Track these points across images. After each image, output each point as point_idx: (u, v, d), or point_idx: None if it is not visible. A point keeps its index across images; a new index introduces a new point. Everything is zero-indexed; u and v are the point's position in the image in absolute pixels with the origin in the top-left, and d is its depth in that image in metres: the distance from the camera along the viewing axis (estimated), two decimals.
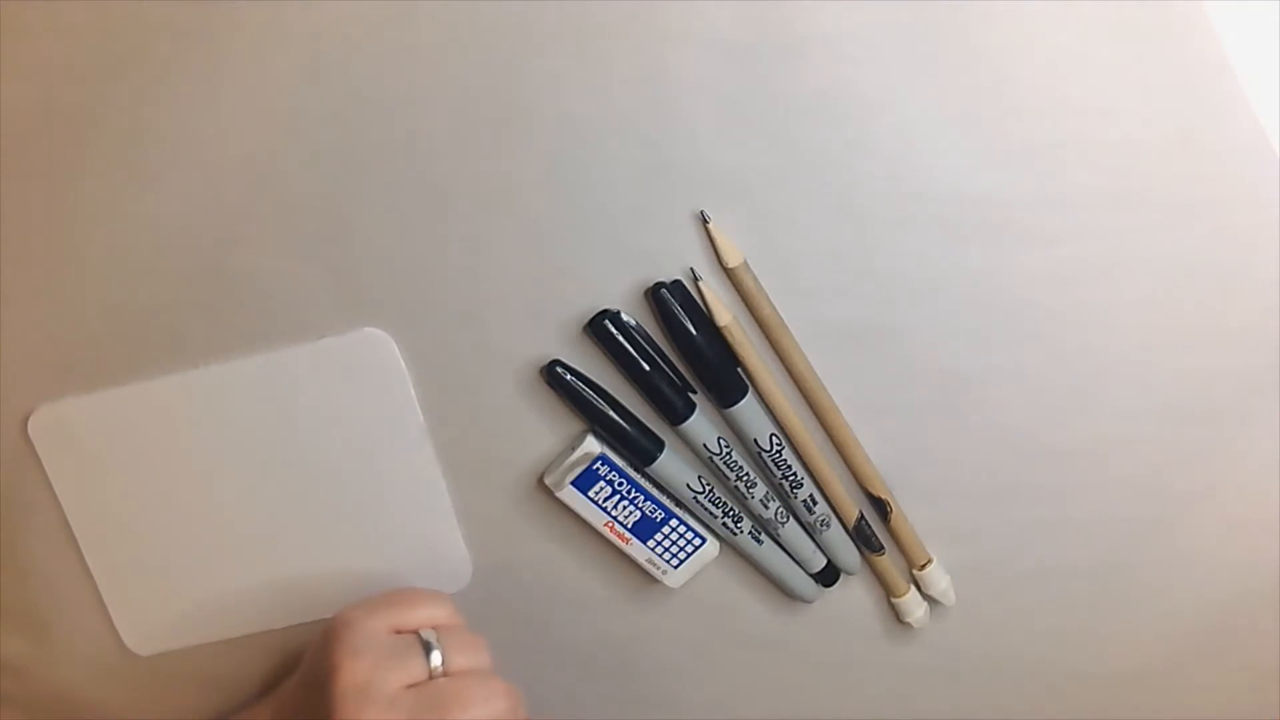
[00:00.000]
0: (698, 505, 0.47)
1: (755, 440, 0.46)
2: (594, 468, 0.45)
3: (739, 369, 0.45)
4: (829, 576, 0.50)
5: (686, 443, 0.46)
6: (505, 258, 0.44)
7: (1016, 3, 0.41)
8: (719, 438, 0.46)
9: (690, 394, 0.45)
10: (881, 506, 0.48)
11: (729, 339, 0.44)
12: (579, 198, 0.43)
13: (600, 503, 0.46)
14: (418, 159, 0.42)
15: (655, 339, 0.45)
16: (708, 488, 0.47)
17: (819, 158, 0.42)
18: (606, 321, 0.44)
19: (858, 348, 0.45)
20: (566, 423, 0.46)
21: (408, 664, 0.41)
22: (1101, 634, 0.51)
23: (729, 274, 0.44)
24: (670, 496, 0.47)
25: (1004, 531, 0.49)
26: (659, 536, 0.47)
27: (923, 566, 0.49)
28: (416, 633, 0.43)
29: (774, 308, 0.44)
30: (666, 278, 0.44)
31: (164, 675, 0.50)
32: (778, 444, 0.46)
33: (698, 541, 0.48)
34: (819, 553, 0.49)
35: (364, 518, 0.47)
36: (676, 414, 0.45)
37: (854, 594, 0.51)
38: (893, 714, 0.53)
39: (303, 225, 0.43)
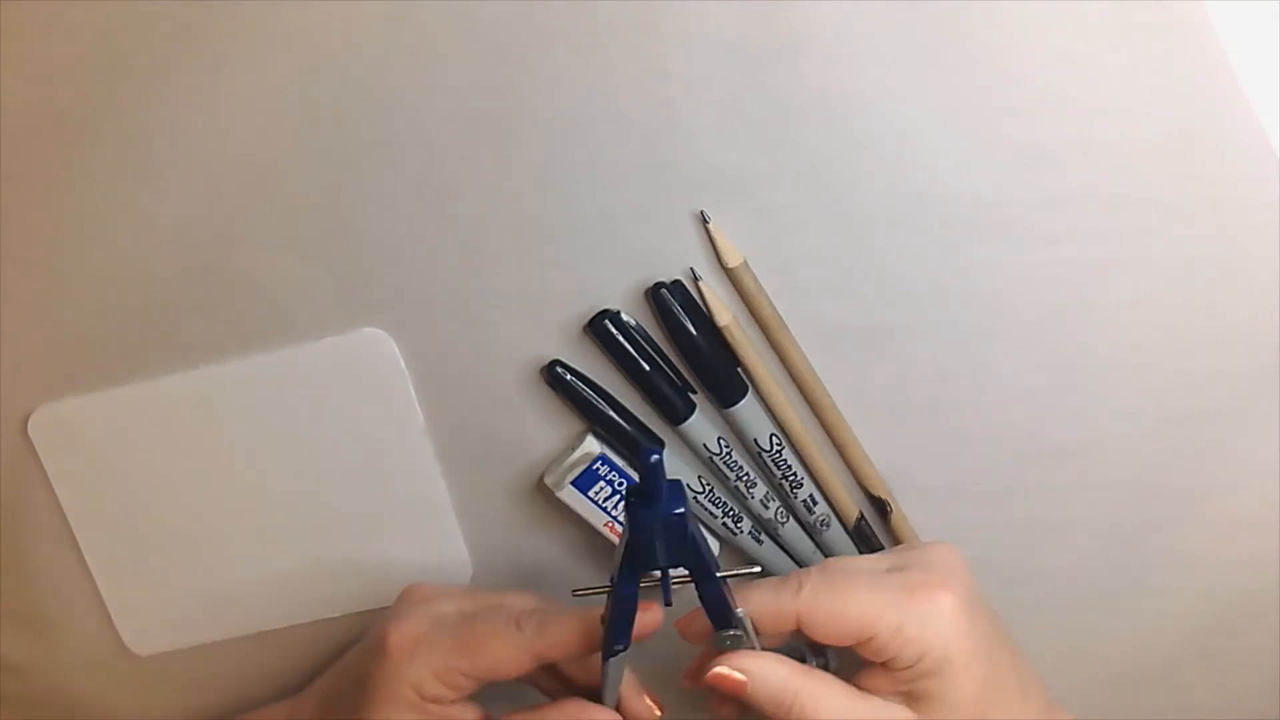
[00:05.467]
0: (698, 505, 0.47)
1: (755, 440, 0.46)
2: (594, 468, 0.45)
3: (739, 369, 0.45)
4: None
5: (686, 443, 0.46)
6: (505, 258, 0.44)
7: (1016, 3, 0.41)
8: (719, 438, 0.46)
9: (690, 394, 0.45)
10: (881, 506, 0.48)
11: (729, 339, 0.44)
12: (579, 198, 0.43)
13: (600, 503, 0.46)
14: (418, 159, 0.42)
15: (655, 339, 0.45)
16: (708, 488, 0.47)
17: (819, 158, 0.42)
18: (606, 321, 0.44)
19: (858, 348, 0.45)
20: (566, 423, 0.46)
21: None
22: (1101, 634, 0.51)
23: (729, 274, 0.44)
24: None
25: (1004, 531, 0.49)
26: None
27: None
28: None
29: (774, 308, 0.44)
30: (666, 278, 0.44)
31: (164, 675, 0.50)
32: (778, 444, 0.46)
33: None
34: (819, 553, 0.49)
35: (364, 518, 0.47)
36: (676, 414, 0.45)
37: None
38: None
39: (303, 225, 0.43)
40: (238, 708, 0.50)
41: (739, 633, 0.39)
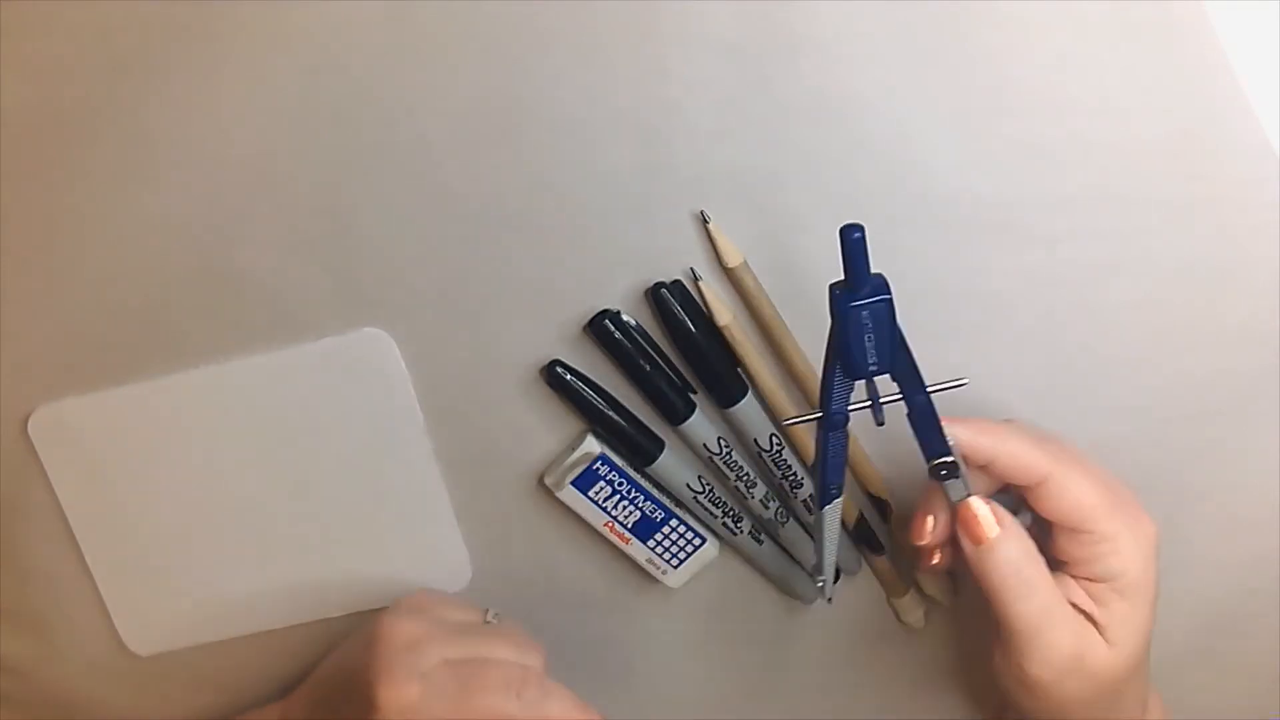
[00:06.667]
0: (698, 505, 0.47)
1: (755, 440, 0.46)
2: (594, 468, 0.45)
3: (739, 369, 0.45)
4: None
5: (686, 443, 0.46)
6: (505, 258, 0.44)
7: (1016, 3, 0.41)
8: (719, 438, 0.46)
9: (690, 394, 0.45)
10: (882, 506, 0.48)
11: (729, 339, 0.44)
12: (579, 198, 0.43)
13: (600, 503, 0.46)
14: (418, 159, 0.42)
15: (655, 339, 0.45)
16: (708, 488, 0.47)
17: (819, 158, 0.42)
18: (606, 321, 0.43)
19: None
20: (566, 423, 0.46)
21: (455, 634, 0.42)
22: None
23: (729, 274, 0.44)
24: (670, 496, 0.47)
25: None
26: (659, 536, 0.47)
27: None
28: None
29: (774, 308, 0.44)
30: (666, 278, 0.44)
31: (164, 675, 0.50)
32: (778, 444, 0.46)
33: (698, 541, 0.48)
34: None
35: (364, 518, 0.47)
36: (676, 414, 0.45)
37: (854, 594, 0.50)
38: (892, 714, 0.53)
39: (303, 225, 0.43)
40: (238, 708, 0.50)
41: (954, 459, 0.39)
